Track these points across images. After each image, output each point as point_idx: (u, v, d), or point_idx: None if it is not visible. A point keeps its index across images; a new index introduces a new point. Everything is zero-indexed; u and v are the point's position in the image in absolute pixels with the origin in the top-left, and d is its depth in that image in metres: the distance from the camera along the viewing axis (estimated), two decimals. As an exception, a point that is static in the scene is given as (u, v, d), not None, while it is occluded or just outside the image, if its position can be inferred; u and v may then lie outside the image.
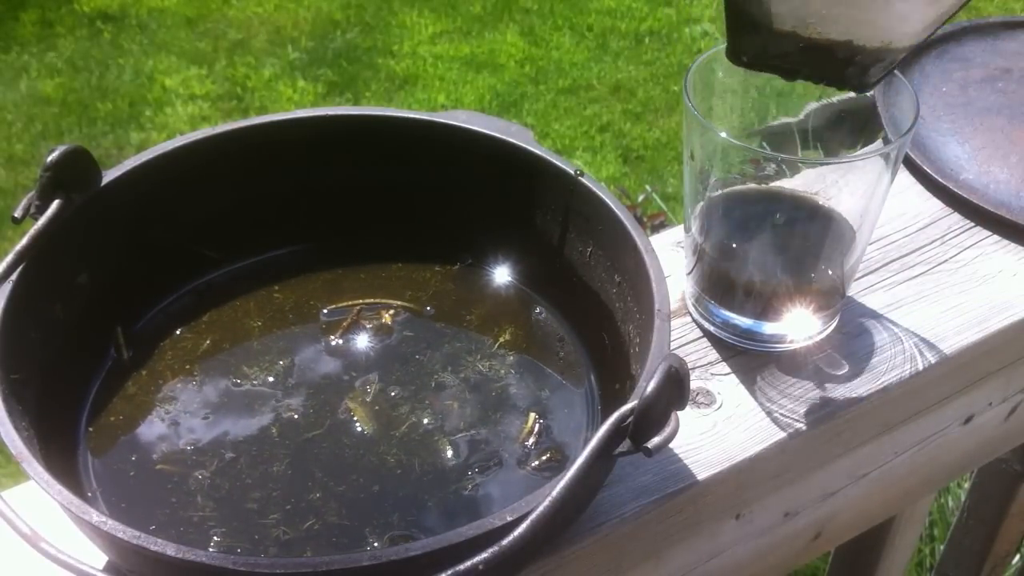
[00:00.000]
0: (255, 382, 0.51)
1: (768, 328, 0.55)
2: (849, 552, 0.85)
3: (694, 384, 0.53)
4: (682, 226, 0.58)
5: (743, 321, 0.55)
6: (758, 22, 0.46)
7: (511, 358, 0.53)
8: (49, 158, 0.47)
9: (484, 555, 0.35)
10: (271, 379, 0.52)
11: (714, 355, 0.55)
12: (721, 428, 0.52)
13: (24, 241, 0.46)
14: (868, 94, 0.51)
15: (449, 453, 0.48)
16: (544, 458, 0.48)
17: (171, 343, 0.53)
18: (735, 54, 0.49)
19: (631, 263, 0.49)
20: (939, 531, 1.34)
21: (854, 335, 0.57)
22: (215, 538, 0.44)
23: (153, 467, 0.47)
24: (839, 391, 0.54)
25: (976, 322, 0.58)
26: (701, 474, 0.50)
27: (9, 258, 0.45)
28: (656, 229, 1.65)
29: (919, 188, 0.67)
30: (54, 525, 0.39)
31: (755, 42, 0.48)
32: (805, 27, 0.45)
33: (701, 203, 0.53)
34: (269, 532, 0.45)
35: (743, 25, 0.47)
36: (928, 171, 0.67)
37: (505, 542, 0.36)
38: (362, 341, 0.54)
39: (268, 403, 0.50)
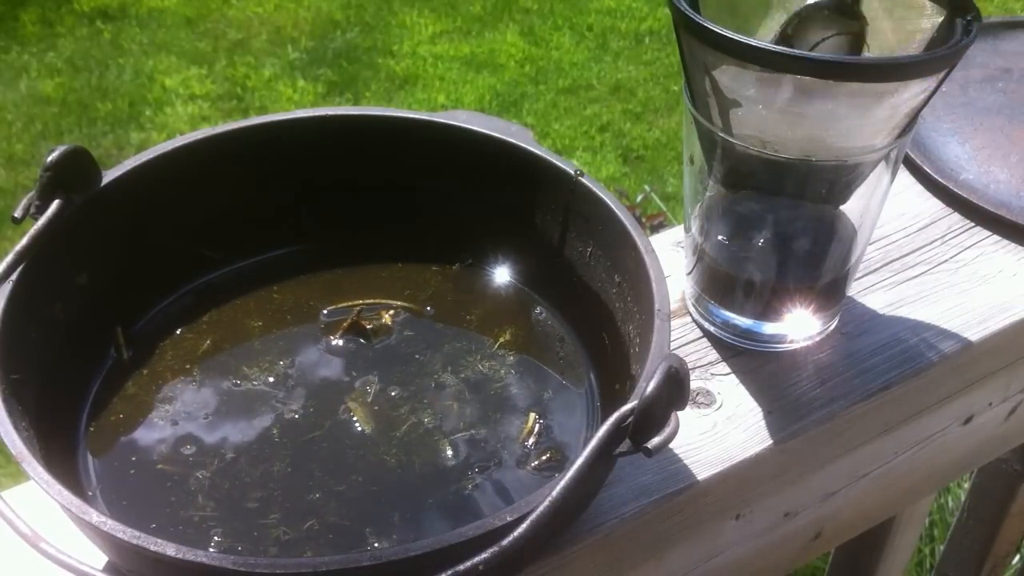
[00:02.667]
0: (255, 382, 0.51)
1: (768, 328, 0.55)
2: (849, 552, 0.85)
3: (694, 384, 0.53)
4: (682, 226, 0.58)
5: (743, 321, 0.55)
6: (724, 145, 0.48)
7: (511, 358, 0.53)
8: (49, 158, 0.47)
9: (484, 555, 0.35)
10: (271, 379, 0.52)
11: (714, 355, 0.55)
12: (721, 428, 0.52)
13: (24, 241, 0.46)
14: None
15: (449, 453, 0.48)
16: (544, 458, 0.48)
17: (171, 343, 0.53)
18: (714, 178, 0.51)
19: (631, 263, 0.49)
20: (939, 531, 1.34)
21: (854, 335, 0.57)
22: (215, 538, 0.44)
23: (153, 467, 0.47)
24: (839, 391, 0.54)
25: (976, 322, 0.58)
26: (701, 474, 0.50)
27: (9, 258, 0.45)
28: (656, 229, 1.65)
29: (919, 188, 0.67)
30: (54, 525, 0.39)
31: (725, 164, 0.49)
32: (763, 146, 0.47)
33: (701, 203, 0.53)
34: (269, 532, 0.45)
35: (712, 147, 0.49)
36: (928, 171, 0.67)
37: (505, 542, 0.36)
38: (362, 341, 0.54)
39: (268, 403, 0.50)
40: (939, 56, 0.44)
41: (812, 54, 0.45)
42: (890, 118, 0.46)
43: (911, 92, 0.45)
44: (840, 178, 0.49)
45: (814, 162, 0.48)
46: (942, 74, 0.45)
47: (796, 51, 0.44)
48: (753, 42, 0.43)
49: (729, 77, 0.46)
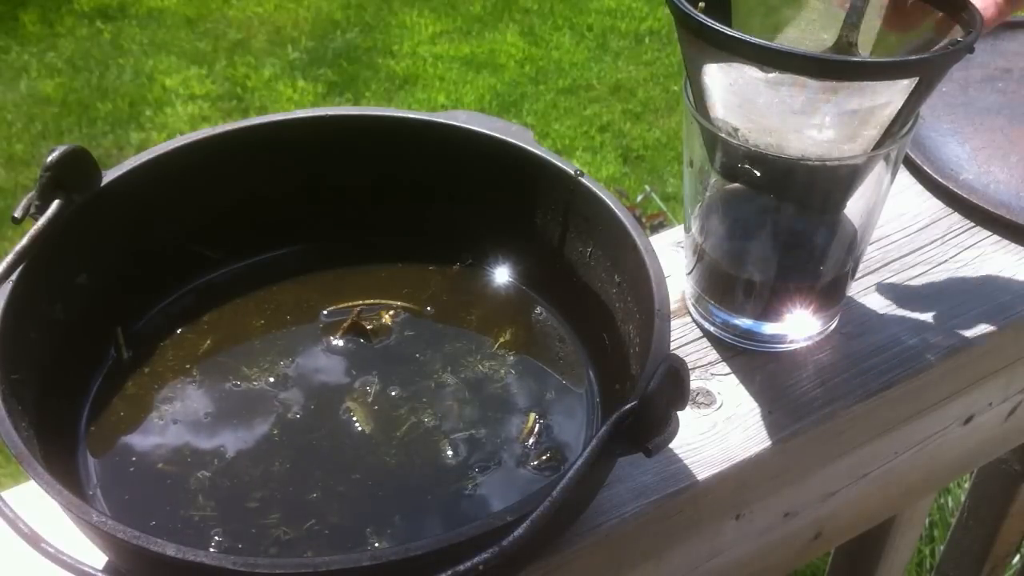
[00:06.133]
0: (255, 382, 0.51)
1: (768, 328, 0.55)
2: (849, 552, 0.86)
3: (694, 384, 0.53)
4: (682, 226, 0.58)
5: (743, 321, 0.55)
6: (724, 145, 0.48)
7: (511, 358, 0.53)
8: (49, 158, 0.47)
9: (484, 555, 0.35)
10: (271, 379, 0.52)
11: (714, 355, 0.55)
12: (721, 428, 0.52)
13: (24, 241, 0.46)
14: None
15: (449, 453, 0.48)
16: (544, 458, 0.48)
17: (171, 343, 0.53)
18: (714, 178, 0.51)
19: (631, 263, 0.49)
20: (939, 531, 1.34)
21: (854, 335, 0.57)
22: (215, 538, 0.44)
23: (153, 467, 0.47)
24: (839, 391, 0.54)
25: (976, 322, 0.58)
26: (701, 474, 0.50)
27: (9, 258, 0.45)
28: (656, 229, 1.65)
29: (919, 188, 0.67)
30: (54, 525, 0.39)
31: (725, 164, 0.49)
32: (736, 136, 0.47)
33: (701, 203, 0.53)
34: (269, 532, 0.45)
35: (712, 147, 0.49)
36: (928, 171, 0.67)
37: (505, 542, 0.36)
38: (362, 341, 0.54)
39: (268, 403, 0.50)
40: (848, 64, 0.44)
41: (753, 39, 0.43)
42: (849, 122, 0.46)
43: (866, 96, 0.44)
44: (827, 182, 0.49)
45: (783, 158, 0.48)
46: (890, 87, 0.44)
47: (743, 35, 0.43)
48: (708, 22, 0.43)
49: (715, 69, 0.46)
